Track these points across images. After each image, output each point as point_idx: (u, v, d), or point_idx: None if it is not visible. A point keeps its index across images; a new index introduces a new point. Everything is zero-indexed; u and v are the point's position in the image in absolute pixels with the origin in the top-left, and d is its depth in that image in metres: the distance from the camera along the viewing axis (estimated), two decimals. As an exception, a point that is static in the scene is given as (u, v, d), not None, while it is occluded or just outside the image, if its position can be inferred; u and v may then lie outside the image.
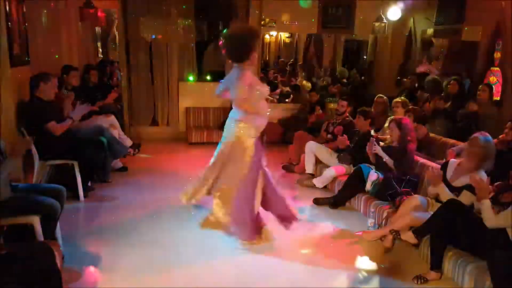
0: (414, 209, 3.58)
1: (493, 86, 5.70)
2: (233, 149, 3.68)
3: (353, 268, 3.42)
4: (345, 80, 9.28)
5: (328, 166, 5.16)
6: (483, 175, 3.36)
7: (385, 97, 6.08)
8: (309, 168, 5.38)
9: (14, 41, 3.92)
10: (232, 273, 3.25)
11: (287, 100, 8.03)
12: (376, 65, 9.31)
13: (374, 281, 3.29)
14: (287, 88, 8.69)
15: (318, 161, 5.40)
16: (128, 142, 6.01)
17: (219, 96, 3.96)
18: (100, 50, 10.34)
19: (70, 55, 6.31)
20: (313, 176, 5.33)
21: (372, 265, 3.47)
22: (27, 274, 2.18)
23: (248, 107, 3.58)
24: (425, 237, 3.35)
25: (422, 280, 3.16)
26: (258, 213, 3.75)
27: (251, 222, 3.64)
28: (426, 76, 6.97)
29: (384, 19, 8.13)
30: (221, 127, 7.13)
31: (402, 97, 5.98)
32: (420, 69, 7.84)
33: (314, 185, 5.16)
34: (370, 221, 4.01)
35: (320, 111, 6.88)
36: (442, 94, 6.30)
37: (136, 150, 6.34)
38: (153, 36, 7.46)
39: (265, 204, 3.83)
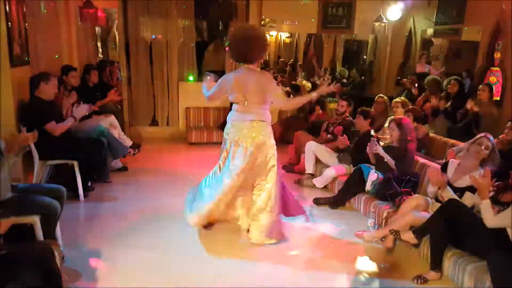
0: (415, 209, 3.59)
1: (493, 86, 5.70)
2: (262, 150, 3.62)
3: (353, 268, 3.42)
4: (345, 80, 9.28)
5: (328, 166, 5.16)
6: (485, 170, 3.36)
7: (385, 97, 6.09)
8: (309, 168, 5.38)
9: (14, 41, 3.92)
10: (231, 273, 3.24)
11: (287, 100, 8.02)
12: (376, 65, 9.31)
13: (374, 281, 3.28)
14: (287, 88, 8.68)
15: (318, 161, 5.40)
16: (128, 142, 6.00)
17: (210, 99, 3.82)
18: (100, 50, 10.34)
19: (70, 55, 6.31)
20: (313, 176, 5.33)
21: (372, 265, 3.47)
22: (27, 274, 2.18)
23: (289, 105, 3.58)
24: (425, 237, 3.35)
25: (422, 280, 3.16)
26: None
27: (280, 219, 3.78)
28: (426, 76, 6.97)
29: (384, 19, 8.14)
30: (221, 127, 7.20)
31: (402, 97, 5.99)
32: (419, 69, 7.85)
33: (314, 185, 5.16)
34: (370, 221, 4.01)
35: (320, 111, 6.87)
36: (442, 94, 6.31)
37: (136, 150, 6.33)
38: (153, 36, 7.46)
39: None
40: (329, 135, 5.67)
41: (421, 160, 4.44)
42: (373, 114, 5.25)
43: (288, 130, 7.15)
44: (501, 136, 4.39)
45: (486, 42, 6.11)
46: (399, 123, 4.34)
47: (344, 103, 5.61)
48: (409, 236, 3.35)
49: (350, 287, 3.20)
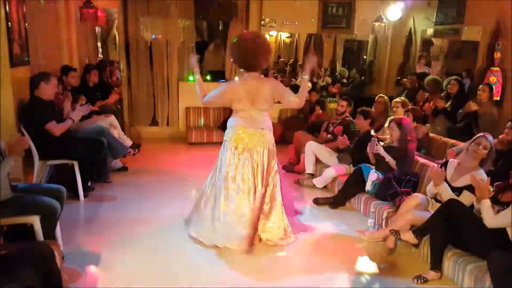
0: (415, 208, 3.60)
1: (493, 86, 5.70)
2: (269, 156, 3.66)
3: (353, 268, 3.42)
4: (345, 80, 9.27)
5: (328, 166, 5.16)
6: (483, 175, 3.37)
7: (385, 97, 6.09)
8: (309, 168, 5.38)
9: (14, 41, 3.92)
10: (231, 273, 3.24)
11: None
12: (376, 65, 9.30)
13: (374, 281, 3.28)
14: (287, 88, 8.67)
15: (318, 161, 5.41)
16: (128, 142, 6.00)
17: (208, 104, 3.77)
18: (100, 50, 10.34)
19: (70, 55, 6.32)
20: (313, 176, 5.33)
21: (372, 265, 3.47)
22: (27, 274, 2.18)
23: (302, 102, 3.68)
24: (425, 237, 3.35)
25: (422, 280, 3.16)
26: None
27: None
28: (426, 76, 6.97)
29: (384, 19, 8.13)
30: (221, 127, 7.20)
31: (402, 97, 5.99)
32: (418, 69, 7.85)
33: (314, 185, 5.16)
34: (370, 221, 4.01)
35: (320, 111, 6.87)
36: (442, 94, 6.31)
37: (136, 150, 6.33)
38: (153, 36, 7.46)
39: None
40: (329, 135, 5.67)
41: (421, 160, 4.44)
42: (373, 114, 5.26)
43: (288, 130, 7.15)
44: (501, 136, 4.39)
45: (486, 42, 6.11)
46: (399, 123, 4.35)
47: (344, 103, 5.60)
48: (409, 236, 3.35)
49: (350, 287, 3.20)
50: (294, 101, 3.65)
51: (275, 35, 10.85)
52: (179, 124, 7.70)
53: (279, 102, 3.79)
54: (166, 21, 7.30)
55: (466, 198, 3.35)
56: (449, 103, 5.99)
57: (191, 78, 7.71)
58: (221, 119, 7.54)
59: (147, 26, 7.38)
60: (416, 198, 3.69)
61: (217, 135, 7.13)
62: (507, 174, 3.16)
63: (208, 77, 7.88)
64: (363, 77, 9.45)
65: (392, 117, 4.87)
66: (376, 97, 6.13)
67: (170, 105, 7.62)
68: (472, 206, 3.28)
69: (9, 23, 3.80)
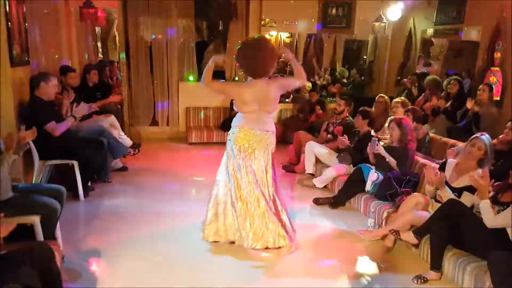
0: (415, 207, 3.60)
1: (493, 86, 5.69)
2: (269, 158, 3.67)
3: (353, 268, 3.42)
4: (345, 80, 9.27)
5: (328, 166, 5.16)
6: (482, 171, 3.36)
7: (386, 97, 6.09)
8: (309, 168, 5.38)
9: (14, 41, 3.92)
10: (231, 273, 3.24)
11: (287, 100, 8.03)
12: (376, 65, 9.30)
13: (374, 281, 3.28)
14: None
15: (318, 161, 5.41)
16: (128, 142, 6.00)
17: (210, 87, 3.72)
18: (100, 50, 10.33)
19: (70, 55, 6.31)
20: (313, 176, 5.34)
21: (372, 265, 3.47)
22: (27, 274, 2.18)
23: (304, 77, 3.65)
24: (425, 237, 3.35)
25: (422, 280, 3.16)
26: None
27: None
28: (426, 76, 6.96)
29: (384, 19, 8.13)
30: (221, 127, 7.20)
31: (402, 97, 5.99)
32: (418, 69, 7.85)
33: (314, 185, 5.16)
34: (370, 221, 4.01)
35: (320, 111, 6.87)
36: (442, 94, 6.31)
37: (136, 150, 6.33)
38: (153, 36, 7.46)
39: None
40: (329, 135, 5.67)
41: (421, 160, 4.44)
42: (373, 114, 5.26)
43: (288, 130, 7.15)
44: (501, 136, 4.38)
45: (486, 42, 6.10)
46: (399, 123, 4.35)
47: (342, 102, 5.64)
48: (409, 236, 3.35)
49: (350, 287, 3.20)
50: (298, 83, 3.71)
51: (275, 35, 10.85)
52: (179, 124, 7.70)
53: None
54: (166, 21, 7.30)
55: (466, 199, 3.35)
56: (449, 103, 5.99)
57: (191, 78, 7.71)
58: (221, 119, 7.55)
59: (147, 26, 7.38)
60: (416, 198, 3.69)
61: (217, 135, 7.14)
62: (507, 174, 3.16)
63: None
64: (363, 77, 9.45)
65: (392, 117, 4.87)
66: (376, 97, 6.13)
67: (170, 105, 7.63)
68: (472, 206, 3.28)
69: (9, 23, 3.80)
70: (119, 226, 3.93)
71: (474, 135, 3.59)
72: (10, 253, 2.30)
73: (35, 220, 2.84)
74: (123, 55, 7.32)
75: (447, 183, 3.54)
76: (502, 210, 2.94)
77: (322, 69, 9.29)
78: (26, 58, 4.33)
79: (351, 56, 9.72)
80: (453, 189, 3.49)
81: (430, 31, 7.80)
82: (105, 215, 4.22)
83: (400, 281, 3.23)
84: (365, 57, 9.69)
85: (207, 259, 3.43)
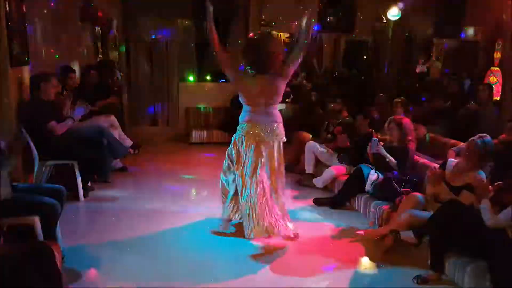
0: (413, 207, 3.59)
1: (493, 86, 5.70)
2: (279, 149, 3.74)
3: (353, 268, 3.42)
4: (345, 81, 9.27)
5: (328, 166, 5.16)
6: (482, 175, 3.37)
7: (386, 97, 6.09)
8: (309, 168, 5.38)
9: (14, 41, 3.92)
10: (231, 273, 3.24)
11: (287, 100, 8.03)
12: (376, 65, 9.31)
13: (374, 281, 3.28)
14: (287, 88, 8.66)
15: (318, 161, 5.40)
16: (128, 142, 6.00)
17: (220, 60, 3.78)
18: (100, 50, 10.31)
19: (70, 55, 6.30)
20: (313, 176, 5.33)
21: (372, 265, 3.46)
22: (27, 274, 2.18)
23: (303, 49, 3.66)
24: (425, 237, 3.35)
25: (422, 280, 3.16)
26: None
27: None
28: (426, 76, 6.97)
29: (384, 19, 8.13)
30: (221, 127, 7.20)
31: (402, 97, 5.99)
32: (419, 69, 7.86)
33: (314, 185, 5.16)
34: (370, 221, 4.00)
35: (320, 111, 6.87)
36: (442, 94, 6.31)
37: (136, 150, 6.33)
38: (153, 36, 7.46)
39: None
40: (329, 135, 5.67)
41: (421, 160, 4.43)
42: (373, 114, 5.26)
43: (288, 130, 7.13)
44: (501, 136, 4.38)
45: (486, 42, 6.11)
46: (399, 123, 4.35)
47: (340, 100, 5.65)
48: (409, 236, 3.34)
49: (350, 287, 3.20)
50: (298, 58, 3.63)
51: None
52: (179, 124, 7.71)
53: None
54: (166, 21, 7.30)
55: (465, 198, 3.35)
56: (449, 103, 5.99)
57: (191, 78, 7.72)
58: (221, 119, 7.54)
59: (147, 26, 7.38)
60: (416, 197, 3.69)
61: (217, 135, 7.14)
62: (507, 174, 3.16)
63: (208, 77, 7.88)
64: (363, 77, 9.45)
65: (392, 117, 4.87)
66: (377, 97, 6.13)
67: (170, 105, 7.63)
68: (471, 206, 3.28)
69: (9, 23, 3.80)
70: (119, 226, 3.93)
71: (473, 137, 3.59)
72: (10, 253, 2.30)
73: (35, 220, 2.84)
74: (123, 55, 7.32)
75: (446, 183, 3.54)
76: (502, 210, 2.94)
77: (322, 69, 9.29)
78: (26, 58, 4.32)
79: (351, 56, 9.73)
80: (452, 188, 3.49)
81: (430, 31, 7.81)
82: (105, 215, 4.21)
83: (400, 281, 3.23)
84: (365, 57, 9.70)
85: (208, 259, 3.42)
